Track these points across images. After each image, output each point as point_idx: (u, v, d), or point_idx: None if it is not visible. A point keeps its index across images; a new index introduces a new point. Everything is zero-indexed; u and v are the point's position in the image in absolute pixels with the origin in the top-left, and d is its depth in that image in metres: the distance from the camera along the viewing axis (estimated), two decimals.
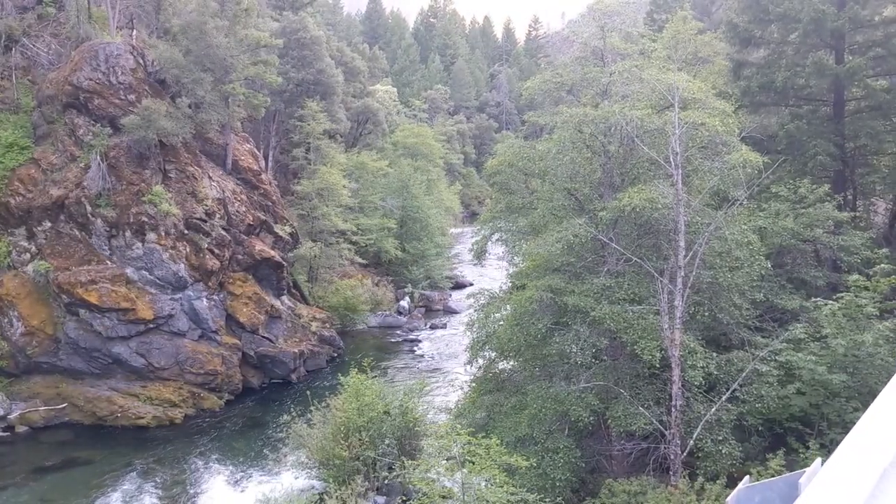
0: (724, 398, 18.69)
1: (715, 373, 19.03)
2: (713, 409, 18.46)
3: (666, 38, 32.81)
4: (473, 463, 16.44)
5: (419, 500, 18.89)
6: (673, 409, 18.24)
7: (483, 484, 16.82)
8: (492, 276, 57.93)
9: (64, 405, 37.15)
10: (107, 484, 31.46)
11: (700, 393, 19.37)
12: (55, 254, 38.10)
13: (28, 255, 38.34)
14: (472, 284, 61.88)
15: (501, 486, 16.19)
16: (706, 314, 19.65)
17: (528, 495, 16.89)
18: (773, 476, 12.66)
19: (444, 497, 17.97)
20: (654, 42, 31.06)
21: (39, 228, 38.45)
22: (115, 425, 36.67)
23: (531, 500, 16.94)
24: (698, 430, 18.25)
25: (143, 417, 36.97)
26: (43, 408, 36.91)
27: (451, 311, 56.41)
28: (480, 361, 24.08)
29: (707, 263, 19.90)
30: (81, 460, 33.85)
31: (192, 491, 31.34)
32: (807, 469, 2.72)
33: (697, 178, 20.48)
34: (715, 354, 19.44)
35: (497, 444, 16.56)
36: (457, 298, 58.37)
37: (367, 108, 68.24)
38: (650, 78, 20.14)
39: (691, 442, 18.40)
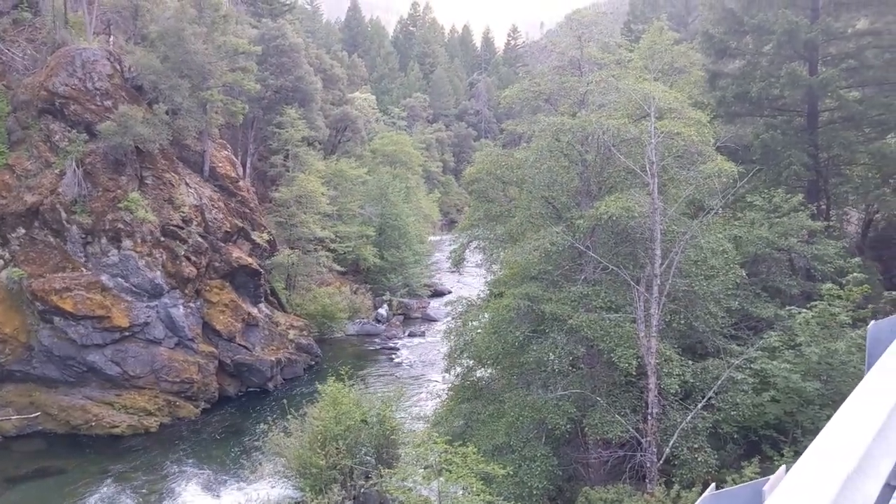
0: (699, 406, 18.82)
1: (691, 381, 19.16)
2: (689, 417, 18.58)
3: (642, 49, 33.11)
4: (450, 471, 16.44)
5: None
6: (649, 417, 18.34)
7: (460, 492, 16.82)
8: (471, 283, 57.98)
9: (37, 414, 36.65)
10: (80, 493, 31.05)
11: (676, 401, 19.49)
12: (29, 260, 37.64)
13: (1, 262, 37.82)
14: (450, 292, 61.93)
15: (478, 495, 16.19)
16: (682, 322, 19.79)
17: (505, 503, 16.91)
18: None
19: None
20: (630, 52, 31.33)
21: (13, 235, 37.97)
22: (90, 434, 36.23)
23: None
24: (674, 438, 18.36)
25: (117, 426, 36.57)
26: (15, 416, 36.38)
27: (429, 319, 56.37)
28: (458, 369, 24.08)
29: (683, 272, 20.06)
30: (54, 469, 33.38)
31: (167, 500, 30.98)
32: (771, 476, 2.76)
33: (673, 186, 20.66)
34: (691, 362, 19.58)
35: (474, 453, 16.55)
36: (435, 306, 58.35)
37: (346, 116, 68.14)
38: (626, 88, 20.30)
39: (667, 450, 18.50)
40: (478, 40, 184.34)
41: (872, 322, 3.52)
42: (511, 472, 18.20)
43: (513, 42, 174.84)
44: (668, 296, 19.07)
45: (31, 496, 31.27)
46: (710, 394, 18.95)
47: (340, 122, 68.11)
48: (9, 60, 40.53)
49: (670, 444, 18.47)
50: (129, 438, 36.16)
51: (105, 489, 31.49)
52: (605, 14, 26.02)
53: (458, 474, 16.07)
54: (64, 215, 37.50)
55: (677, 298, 20.10)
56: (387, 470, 19.93)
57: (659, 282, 18.39)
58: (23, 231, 37.95)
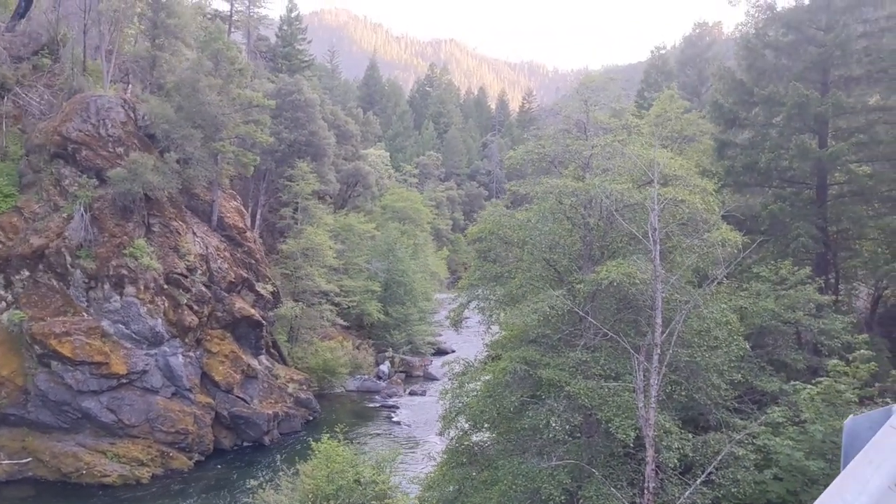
0: (698, 481, 18.17)
1: (690, 455, 18.54)
2: (687, 493, 17.93)
3: (651, 115, 33.21)
4: None
5: None
6: (645, 492, 17.71)
7: None
8: (476, 343, 57.28)
9: (28, 459, 36.08)
10: None
11: (675, 475, 18.83)
12: (31, 303, 37.53)
13: (3, 304, 37.76)
14: (454, 351, 61.26)
15: None
16: (683, 394, 19.25)
17: None
18: None
19: None
20: (639, 119, 31.41)
21: (17, 277, 37.97)
22: (80, 482, 35.60)
23: None
24: None
25: (108, 475, 35.93)
26: (6, 462, 35.82)
27: (431, 378, 55.67)
28: (453, 432, 23.49)
29: (685, 342, 19.59)
30: None
31: None
32: None
33: (678, 254, 20.34)
34: (691, 436, 18.97)
35: None
36: (438, 365, 57.62)
37: (358, 171, 68.62)
38: (631, 153, 20.20)
39: None
40: (493, 102, 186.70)
41: (850, 417, 3.20)
42: None
43: (527, 105, 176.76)
44: (668, 366, 18.58)
45: None
46: (710, 469, 18.31)
47: (352, 177, 68.54)
48: (25, 105, 41.11)
49: None
50: (120, 488, 35.48)
51: None
52: (613, 80, 26.10)
53: None
54: (69, 259, 37.53)
55: (679, 369, 19.58)
56: None
57: (659, 351, 17.94)
58: (27, 273, 37.95)
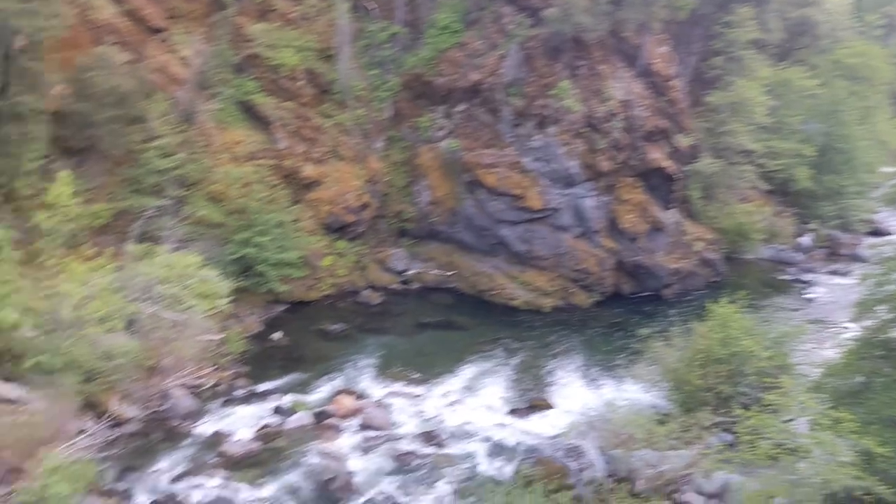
0: None
1: None
2: None
3: None
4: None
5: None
6: None
7: None
8: None
9: (452, 272, 41.32)
10: (476, 350, 34.64)
11: None
12: (465, 134, 41.13)
13: (443, 133, 41.82)
14: (893, 234, 53.95)
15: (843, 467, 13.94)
16: None
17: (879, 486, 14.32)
18: None
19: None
20: None
21: (455, 109, 41.59)
22: (490, 300, 39.78)
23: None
24: None
25: (515, 299, 39.53)
26: (435, 271, 41.62)
27: (858, 259, 49.79)
28: (868, 322, 20.89)
29: None
30: (457, 325, 37.49)
31: (544, 377, 32.94)
32: None
33: None
34: None
35: (850, 420, 14.19)
36: (870, 246, 51.27)
37: (807, 20, 61.14)
38: None
39: None
40: None
41: None
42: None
43: None
44: None
45: (435, 343, 35.69)
46: None
47: (799, 25, 61.30)
48: None
49: None
50: (523, 313, 38.78)
51: (497, 353, 34.58)
52: None
53: (820, 440, 13.96)
54: (500, 96, 39.89)
55: None
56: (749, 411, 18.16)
57: None
58: (464, 106, 41.35)
